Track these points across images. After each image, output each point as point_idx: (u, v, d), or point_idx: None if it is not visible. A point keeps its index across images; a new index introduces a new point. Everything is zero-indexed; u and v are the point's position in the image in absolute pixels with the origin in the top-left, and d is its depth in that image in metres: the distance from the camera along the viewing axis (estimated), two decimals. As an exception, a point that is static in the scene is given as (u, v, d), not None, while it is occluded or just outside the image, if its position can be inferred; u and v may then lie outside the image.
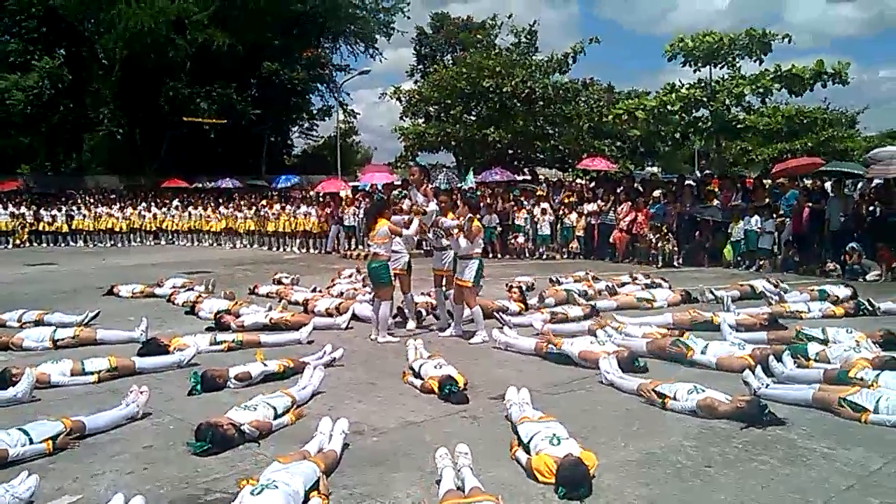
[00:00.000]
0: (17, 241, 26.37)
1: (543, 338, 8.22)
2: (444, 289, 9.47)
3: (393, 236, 9.01)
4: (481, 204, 19.62)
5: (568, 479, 4.35)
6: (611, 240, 17.70)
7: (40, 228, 27.06)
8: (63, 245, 26.57)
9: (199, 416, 6.00)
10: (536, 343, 8.12)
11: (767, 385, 6.31)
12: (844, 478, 4.65)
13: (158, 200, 28.77)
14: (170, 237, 27.11)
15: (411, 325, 9.64)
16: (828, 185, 17.32)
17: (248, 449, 5.27)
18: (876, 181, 16.18)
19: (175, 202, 28.11)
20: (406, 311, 9.75)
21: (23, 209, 27.12)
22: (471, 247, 8.85)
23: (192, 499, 4.48)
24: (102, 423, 5.72)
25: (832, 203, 15.14)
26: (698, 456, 5.04)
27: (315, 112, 43.57)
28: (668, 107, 23.14)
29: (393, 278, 9.05)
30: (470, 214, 8.92)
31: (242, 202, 26.46)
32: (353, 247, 21.57)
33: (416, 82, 36.77)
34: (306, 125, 45.15)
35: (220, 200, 27.60)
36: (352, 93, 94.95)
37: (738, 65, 22.54)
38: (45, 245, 26.51)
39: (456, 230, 8.86)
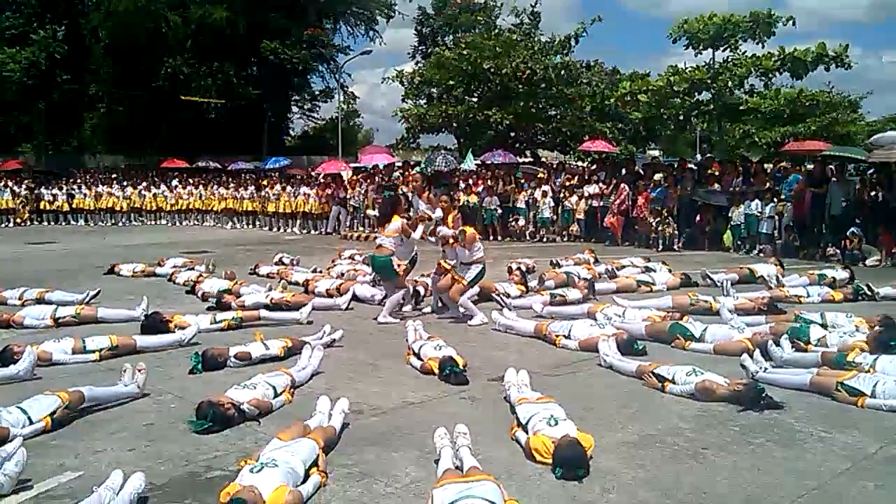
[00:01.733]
0: (19, 220, 26.40)
1: (543, 322, 8.23)
2: (440, 277, 9.49)
3: (402, 234, 9.02)
4: (482, 187, 19.70)
5: (565, 460, 4.39)
6: (605, 223, 17.68)
7: (41, 207, 27.10)
8: (64, 224, 26.61)
9: (199, 394, 6.03)
10: (536, 325, 8.14)
11: (765, 369, 6.34)
12: (840, 461, 4.69)
13: (158, 180, 28.75)
14: (172, 217, 27.05)
15: (407, 308, 9.66)
16: (830, 168, 17.27)
17: (248, 427, 5.31)
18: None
19: (174, 182, 28.05)
20: (403, 298, 9.73)
21: (24, 188, 27.13)
22: (471, 255, 8.90)
23: (192, 476, 4.52)
24: (101, 394, 5.77)
25: (833, 188, 15.11)
26: (695, 438, 5.08)
27: (316, 94, 43.48)
28: (674, 87, 23.07)
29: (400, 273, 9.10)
30: (462, 227, 9.01)
31: (239, 183, 26.46)
32: (354, 227, 21.56)
33: (417, 63, 36.63)
34: (307, 106, 45.04)
35: (220, 180, 27.56)
36: (353, 73, 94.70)
37: (740, 47, 22.45)
38: (45, 224, 26.57)
39: (451, 240, 8.91)
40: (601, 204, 18.05)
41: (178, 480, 4.46)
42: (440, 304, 9.55)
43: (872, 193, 15.34)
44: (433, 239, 9.47)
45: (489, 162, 23.06)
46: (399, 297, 9.12)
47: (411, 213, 9.72)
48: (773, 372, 6.32)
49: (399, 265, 9.02)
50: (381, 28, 41.77)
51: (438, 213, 9.37)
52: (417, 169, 9.84)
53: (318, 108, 45.46)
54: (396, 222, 8.99)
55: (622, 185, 17.64)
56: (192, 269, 12.55)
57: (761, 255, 14.67)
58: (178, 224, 26.46)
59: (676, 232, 16.55)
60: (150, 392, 6.09)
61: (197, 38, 33.76)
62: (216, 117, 35.34)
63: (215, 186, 26.86)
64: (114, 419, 5.56)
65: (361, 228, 21.00)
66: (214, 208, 26.27)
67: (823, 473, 4.51)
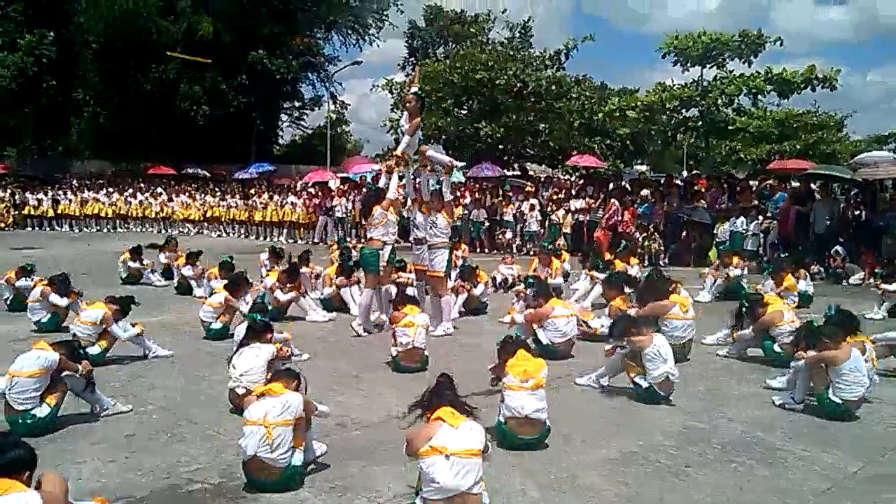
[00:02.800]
0: (2, 224, 26.20)
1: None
2: (424, 283, 9.49)
3: (386, 220, 8.96)
4: (469, 199, 19.74)
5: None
6: (594, 237, 17.72)
7: (25, 212, 26.90)
8: (48, 229, 26.42)
9: (183, 406, 6.02)
10: (526, 315, 8.16)
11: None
12: (822, 480, 4.71)
13: (144, 186, 28.60)
14: (158, 224, 26.83)
15: (384, 317, 9.49)
16: (814, 187, 17.43)
17: (231, 440, 5.26)
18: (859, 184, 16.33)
19: (159, 189, 27.88)
20: (381, 303, 9.66)
21: (8, 192, 26.95)
22: (440, 234, 8.95)
23: (173, 488, 4.48)
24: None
25: (818, 206, 15.24)
26: (678, 456, 5.09)
27: (305, 102, 43.47)
28: (663, 104, 23.25)
29: (381, 268, 9.03)
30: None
31: (225, 191, 26.41)
32: (341, 238, 21.50)
33: (407, 75, 36.69)
34: (296, 114, 45.05)
35: (207, 188, 27.46)
36: (343, 83, 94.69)
37: (728, 66, 22.67)
38: (29, 229, 26.36)
39: (448, 164, 8.93)
40: (588, 218, 18.10)
41: (159, 493, 4.42)
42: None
43: (856, 212, 15.50)
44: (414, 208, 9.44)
45: (478, 176, 23.11)
46: (368, 302, 9.04)
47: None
48: None
49: (383, 262, 9.00)
50: (373, 37, 41.80)
51: (432, 152, 9.30)
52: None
53: (306, 117, 45.52)
54: (377, 210, 8.97)
55: (612, 200, 17.69)
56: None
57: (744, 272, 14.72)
58: (164, 231, 26.28)
59: (662, 248, 16.63)
60: (133, 403, 6.04)
61: (186, 46, 33.67)
62: (204, 125, 35.24)
63: (202, 194, 26.74)
64: (95, 430, 5.51)
65: (351, 239, 20.91)
66: (197, 217, 26.10)
67: (805, 493, 4.53)
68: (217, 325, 8.71)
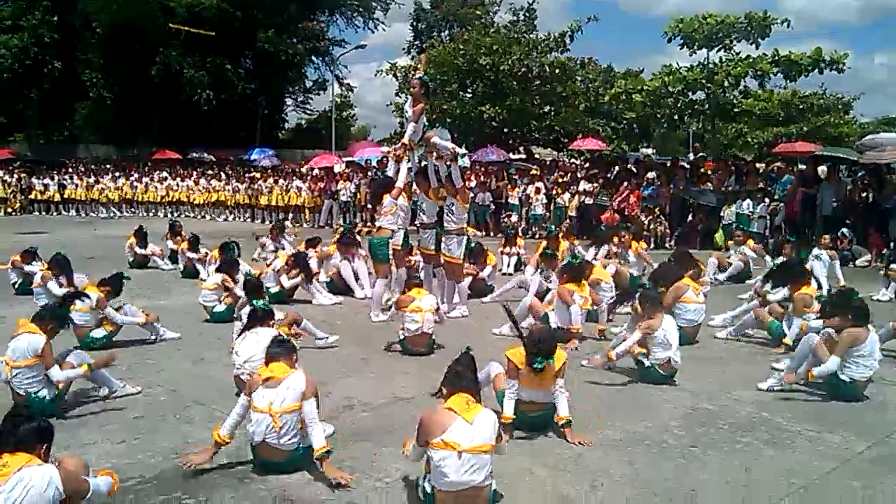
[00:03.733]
0: (10, 209, 26.28)
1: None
2: (431, 265, 9.48)
3: (396, 208, 8.94)
4: (474, 182, 19.69)
5: (536, 339, 4.95)
6: (602, 220, 17.67)
7: (32, 197, 26.98)
8: (55, 214, 26.50)
9: (191, 388, 6.06)
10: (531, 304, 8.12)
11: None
12: (827, 461, 4.72)
13: (149, 171, 28.59)
14: (164, 209, 26.84)
15: (391, 295, 9.43)
16: (822, 169, 17.35)
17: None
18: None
19: (164, 174, 27.84)
20: (396, 286, 9.71)
21: (15, 177, 27.00)
22: (458, 220, 8.92)
23: (181, 469, 4.51)
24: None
25: (825, 188, 15.18)
26: (684, 436, 5.10)
27: (310, 85, 43.35)
28: (669, 88, 23.07)
29: (391, 255, 9.04)
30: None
31: (230, 175, 26.38)
32: (347, 222, 21.51)
33: (412, 58, 36.51)
34: (301, 98, 44.93)
35: (213, 173, 27.43)
36: (348, 66, 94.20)
37: (734, 48, 22.47)
38: (37, 214, 26.45)
39: (452, 151, 8.86)
40: (594, 201, 18.05)
41: (168, 473, 4.46)
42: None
43: (863, 194, 15.42)
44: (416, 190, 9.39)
45: (483, 160, 23.04)
46: (381, 291, 9.07)
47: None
48: None
49: (394, 247, 8.98)
50: (378, 21, 41.63)
51: (437, 139, 9.19)
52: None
53: (311, 101, 45.41)
54: (387, 199, 8.94)
55: (624, 184, 17.61)
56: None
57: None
58: (170, 216, 26.28)
59: (668, 230, 16.59)
60: (141, 385, 6.08)
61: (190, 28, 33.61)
62: (209, 109, 35.20)
63: (207, 179, 26.71)
64: (104, 412, 5.55)
65: (359, 223, 20.90)
66: (201, 201, 26.07)
67: (811, 472, 4.54)
68: (220, 308, 8.73)
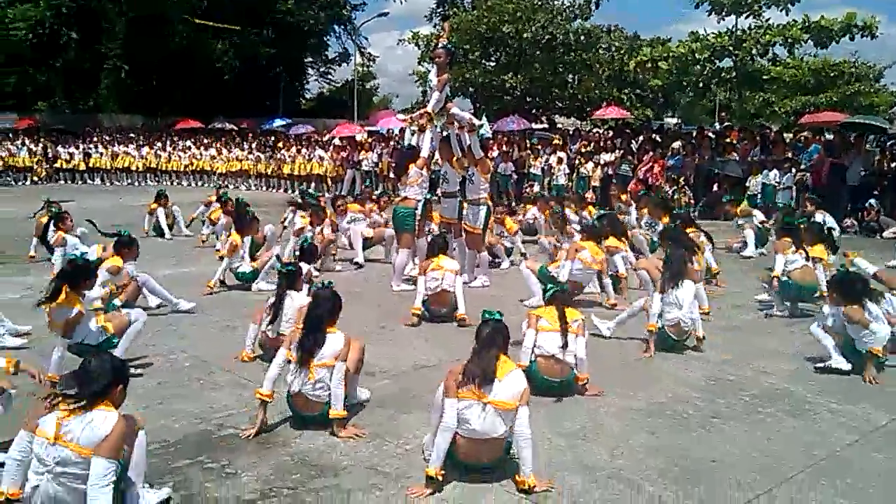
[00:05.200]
0: (35, 178, 26.56)
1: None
2: (451, 235, 9.45)
3: (422, 178, 8.92)
4: (497, 152, 19.57)
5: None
6: (628, 190, 17.49)
7: (58, 166, 27.24)
8: (80, 183, 26.75)
9: (212, 354, 6.13)
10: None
11: None
12: (849, 432, 4.69)
13: (173, 140, 28.68)
14: (188, 178, 26.97)
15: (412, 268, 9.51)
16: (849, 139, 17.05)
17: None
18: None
19: (188, 142, 27.93)
20: (417, 256, 9.74)
21: (41, 146, 27.24)
22: (478, 190, 8.90)
23: (205, 433, 4.58)
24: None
25: (853, 158, 14.91)
26: (705, 407, 5.09)
27: (333, 56, 43.19)
28: (696, 55, 22.70)
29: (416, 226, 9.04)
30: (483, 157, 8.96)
31: (255, 144, 26.40)
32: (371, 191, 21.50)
33: (434, 26, 36.23)
34: (323, 68, 44.79)
35: (235, 142, 27.47)
36: (369, 36, 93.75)
37: (764, 14, 22.02)
38: (62, 182, 26.71)
39: (469, 122, 8.79)
40: (614, 171, 17.86)
41: (192, 438, 4.53)
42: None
43: (892, 164, 15.14)
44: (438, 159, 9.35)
45: (504, 129, 22.88)
46: (404, 261, 9.08)
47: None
48: None
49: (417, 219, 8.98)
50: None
51: (461, 113, 9.10)
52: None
53: (333, 71, 45.25)
54: (413, 169, 8.92)
55: (649, 153, 17.40)
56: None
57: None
58: (193, 185, 26.46)
59: (692, 200, 16.40)
60: (164, 352, 6.16)
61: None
62: (231, 79, 35.22)
63: (229, 148, 26.75)
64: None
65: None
66: (224, 170, 26.12)
67: (832, 444, 4.51)
68: (246, 269, 8.80)
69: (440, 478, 3.79)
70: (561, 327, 5.22)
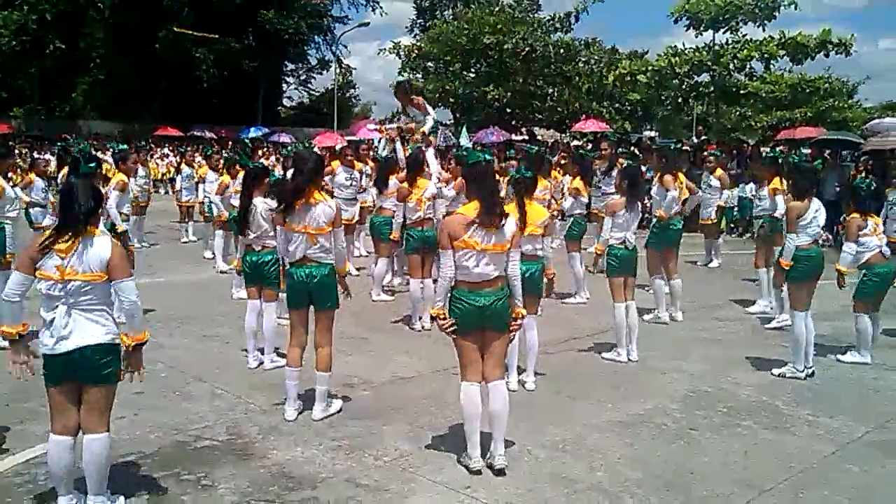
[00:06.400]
0: (13, 184, 26.12)
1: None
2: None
3: (398, 199, 8.86)
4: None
5: None
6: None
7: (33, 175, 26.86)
8: (56, 189, 26.36)
9: (190, 365, 6.06)
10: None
11: None
12: (826, 445, 4.73)
13: (151, 148, 28.42)
14: (165, 185, 26.75)
15: (396, 281, 9.68)
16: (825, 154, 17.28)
17: (238, 399, 5.31)
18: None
19: (166, 150, 27.68)
20: (398, 268, 9.77)
21: (16, 152, 26.87)
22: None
23: (181, 445, 4.52)
24: None
25: (828, 173, 15.09)
26: (683, 419, 5.11)
27: (313, 65, 43.10)
28: (675, 69, 22.90)
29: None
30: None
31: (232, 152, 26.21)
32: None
33: (415, 37, 36.30)
34: (303, 77, 44.70)
35: (211, 150, 27.25)
36: (349, 45, 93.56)
37: (741, 30, 22.29)
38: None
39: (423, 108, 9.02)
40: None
41: (168, 449, 4.47)
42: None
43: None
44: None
45: (484, 141, 22.90)
46: (383, 270, 9.04)
47: (426, 169, 9.21)
48: None
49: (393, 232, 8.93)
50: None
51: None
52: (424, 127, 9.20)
53: (313, 79, 45.16)
54: (393, 181, 8.88)
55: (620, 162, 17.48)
56: None
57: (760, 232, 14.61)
58: (170, 193, 26.18)
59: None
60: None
61: (195, 6, 33.35)
62: (211, 87, 35.04)
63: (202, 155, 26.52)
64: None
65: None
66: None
67: (809, 456, 4.54)
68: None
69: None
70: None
